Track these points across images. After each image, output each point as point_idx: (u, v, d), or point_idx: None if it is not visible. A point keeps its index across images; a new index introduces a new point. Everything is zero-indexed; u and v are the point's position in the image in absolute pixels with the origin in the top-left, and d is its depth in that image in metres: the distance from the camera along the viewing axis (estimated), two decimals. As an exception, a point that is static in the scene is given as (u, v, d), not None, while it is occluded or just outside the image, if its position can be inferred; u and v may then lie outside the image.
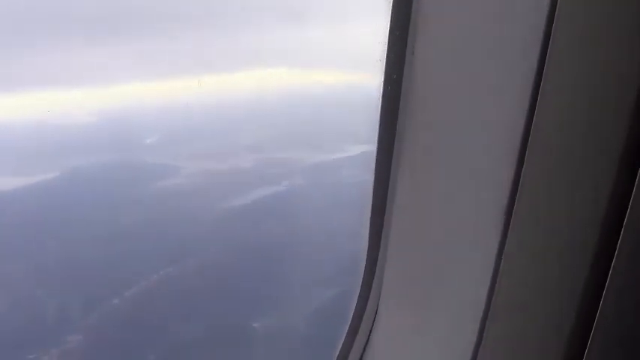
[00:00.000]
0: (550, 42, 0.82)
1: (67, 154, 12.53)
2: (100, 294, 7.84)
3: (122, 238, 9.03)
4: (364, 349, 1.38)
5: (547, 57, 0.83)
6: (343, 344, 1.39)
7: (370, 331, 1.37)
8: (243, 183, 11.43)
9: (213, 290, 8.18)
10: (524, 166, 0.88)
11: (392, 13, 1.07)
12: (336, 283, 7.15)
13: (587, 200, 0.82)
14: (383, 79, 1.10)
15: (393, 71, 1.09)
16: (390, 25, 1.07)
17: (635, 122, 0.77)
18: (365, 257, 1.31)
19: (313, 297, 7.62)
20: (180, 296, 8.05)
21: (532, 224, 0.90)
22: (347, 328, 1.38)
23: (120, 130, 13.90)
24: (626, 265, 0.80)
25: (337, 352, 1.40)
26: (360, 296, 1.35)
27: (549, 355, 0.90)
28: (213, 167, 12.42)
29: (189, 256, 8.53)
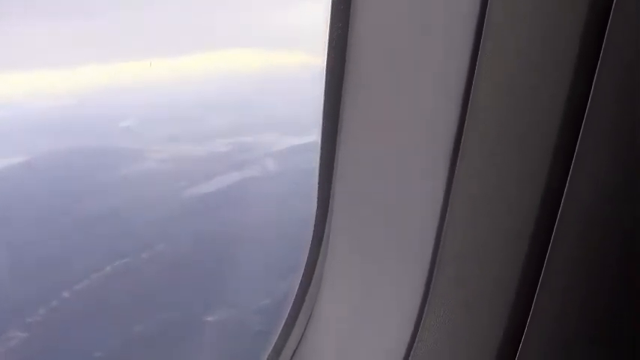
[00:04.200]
0: (485, 21, 0.82)
1: (36, 138, 12.23)
2: (48, 287, 7.58)
3: (77, 228, 8.76)
4: (300, 340, 1.38)
5: (482, 36, 0.83)
6: (279, 336, 1.39)
7: (307, 324, 1.36)
8: (212, 168, 11.19)
9: (168, 284, 7.92)
10: (460, 152, 0.88)
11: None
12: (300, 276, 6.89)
13: (522, 189, 0.84)
14: (326, 57, 1.10)
15: (335, 42, 1.07)
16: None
17: (570, 107, 0.78)
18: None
19: (275, 290, 7.35)
20: (133, 290, 7.79)
21: (468, 212, 0.91)
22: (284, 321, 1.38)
23: (93, 112, 13.63)
24: (563, 251, 0.83)
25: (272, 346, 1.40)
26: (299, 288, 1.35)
27: (488, 333, 0.91)
28: (185, 152, 12.18)
29: (145, 248, 8.26)
